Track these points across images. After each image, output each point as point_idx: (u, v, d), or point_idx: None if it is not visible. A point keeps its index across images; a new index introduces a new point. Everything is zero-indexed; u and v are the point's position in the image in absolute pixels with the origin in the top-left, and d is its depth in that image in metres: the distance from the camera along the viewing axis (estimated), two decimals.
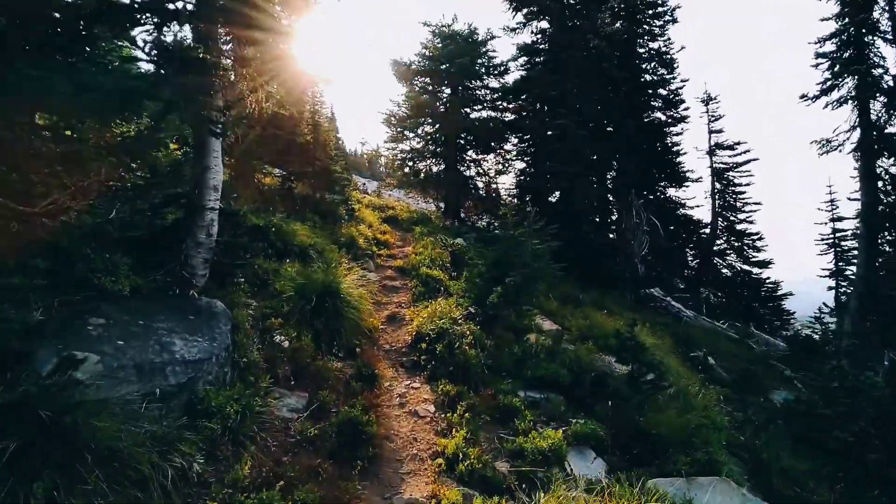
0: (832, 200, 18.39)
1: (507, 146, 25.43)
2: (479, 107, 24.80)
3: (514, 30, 21.69)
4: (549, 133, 17.74)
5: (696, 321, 15.43)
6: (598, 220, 19.89)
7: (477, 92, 24.80)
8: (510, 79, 24.31)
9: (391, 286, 11.46)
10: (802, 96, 13.06)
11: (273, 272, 8.07)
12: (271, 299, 7.21)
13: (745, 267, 19.22)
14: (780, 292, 18.33)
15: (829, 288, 17.71)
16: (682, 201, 20.91)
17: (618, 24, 19.28)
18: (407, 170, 25.59)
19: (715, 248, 19.88)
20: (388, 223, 20.18)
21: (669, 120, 20.48)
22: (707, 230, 20.29)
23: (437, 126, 24.33)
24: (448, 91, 24.28)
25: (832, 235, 18.03)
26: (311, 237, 10.61)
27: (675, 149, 20.50)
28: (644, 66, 20.48)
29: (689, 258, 21.01)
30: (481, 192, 25.12)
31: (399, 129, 24.44)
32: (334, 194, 15.16)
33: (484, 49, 23.82)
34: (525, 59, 21.18)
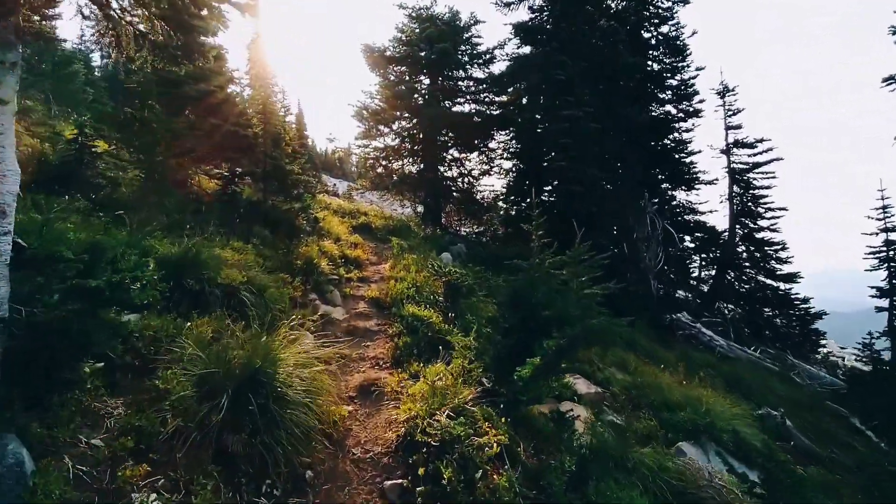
0: (884, 207, 15.73)
1: (492, 144, 22.46)
2: (462, 99, 21.70)
3: (508, 5, 18.58)
4: (547, 127, 14.69)
5: (731, 351, 12.71)
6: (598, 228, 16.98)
7: (459, 83, 21.69)
8: (496, 69, 21.35)
9: (364, 329, 8.21)
10: (888, 79, 10.46)
11: (169, 340, 4.78)
12: (144, 411, 3.90)
13: (769, 281, 16.69)
14: (812, 310, 15.87)
15: (879, 309, 15.26)
16: (694, 206, 18.26)
17: (623, 3, 16.44)
18: (381, 170, 22.29)
19: (734, 259, 17.29)
20: (360, 232, 16.87)
21: (680, 114, 17.75)
22: (723, 239, 17.68)
23: (415, 121, 21.12)
24: (427, 81, 21.07)
25: (886, 248, 15.44)
26: (248, 268, 7.26)
27: (685, 146, 17.82)
28: (651, 52, 17.70)
29: (704, 270, 18.41)
30: (464, 195, 22.01)
31: (372, 124, 21.10)
32: (292, 200, 11.80)
33: (467, 35, 20.72)
34: (518, 41, 18.11)
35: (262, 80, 11.75)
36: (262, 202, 11.39)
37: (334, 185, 39.19)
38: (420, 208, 23.41)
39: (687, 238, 18.55)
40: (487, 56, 20.84)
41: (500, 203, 21.57)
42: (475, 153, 22.48)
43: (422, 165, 21.78)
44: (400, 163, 22.10)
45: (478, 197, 21.97)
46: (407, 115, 20.99)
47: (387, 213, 22.04)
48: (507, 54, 21.26)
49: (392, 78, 20.87)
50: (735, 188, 17.52)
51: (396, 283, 9.68)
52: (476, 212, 21.53)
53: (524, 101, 20.33)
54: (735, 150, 17.58)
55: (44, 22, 11.74)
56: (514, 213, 18.77)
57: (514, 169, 20.31)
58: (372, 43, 20.34)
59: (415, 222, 19.23)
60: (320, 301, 8.92)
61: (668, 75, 17.57)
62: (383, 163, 21.98)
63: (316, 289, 9.20)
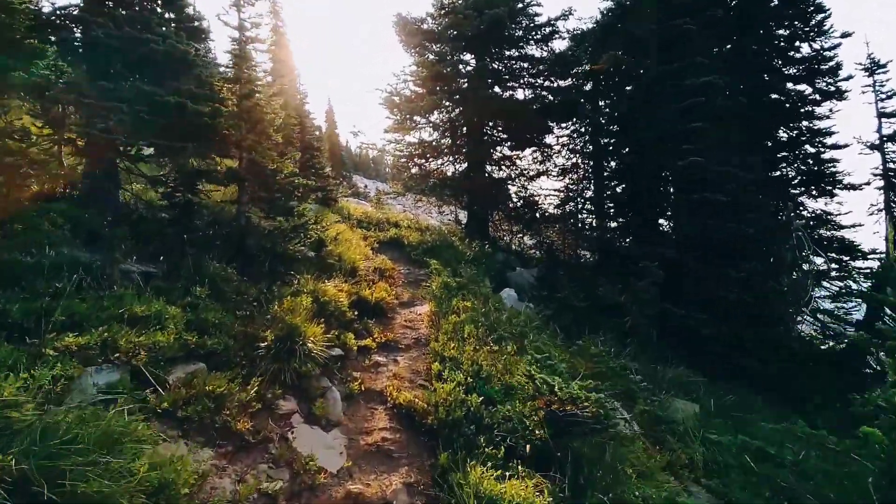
0: None
1: (549, 139, 17.71)
2: (514, 83, 16.98)
3: None
4: (661, 104, 9.77)
5: None
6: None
7: (512, 63, 17.00)
8: (556, 47, 16.60)
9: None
10: None
11: None
12: None
13: None
14: None
15: None
16: (831, 216, 13.11)
17: None
18: (416, 170, 17.82)
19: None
20: (388, 250, 12.49)
21: (816, 95, 12.67)
22: (880, 264, 12.57)
23: (458, 110, 16.57)
24: (473, 61, 16.46)
25: None
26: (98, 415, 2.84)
27: (823, 137, 12.75)
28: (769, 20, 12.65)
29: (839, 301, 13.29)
30: (518, 202, 17.34)
31: (405, 114, 16.62)
32: (281, 215, 7.45)
33: (522, 3, 16.01)
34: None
35: (249, 38, 7.41)
36: (234, 220, 7.08)
37: (365, 186, 35.15)
38: (463, 216, 18.92)
39: (817, 259, 13.41)
40: (548, 29, 16.11)
41: (564, 210, 16.83)
42: (529, 150, 17.81)
43: (465, 165, 17.23)
44: (439, 161, 17.58)
45: (534, 203, 17.29)
46: (448, 103, 16.44)
47: (422, 221, 17.60)
48: (569, 31, 16.52)
49: (430, 57, 16.33)
50: (892, 195, 12.35)
51: (445, 371, 5.19)
52: (532, 222, 16.84)
53: (602, 84, 15.50)
54: (892, 144, 12.40)
55: None
56: (605, 231, 13.85)
57: (584, 165, 15.50)
58: (407, 13, 15.85)
59: (457, 235, 14.73)
60: (301, 415, 4.51)
61: (800, 42, 12.51)
62: (418, 161, 17.51)
63: (297, 388, 4.78)
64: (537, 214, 17.04)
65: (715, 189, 7.37)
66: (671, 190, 9.38)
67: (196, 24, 7.30)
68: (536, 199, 17.55)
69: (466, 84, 15.98)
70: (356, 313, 6.82)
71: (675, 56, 9.02)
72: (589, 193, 17.10)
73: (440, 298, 7.84)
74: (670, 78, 8.22)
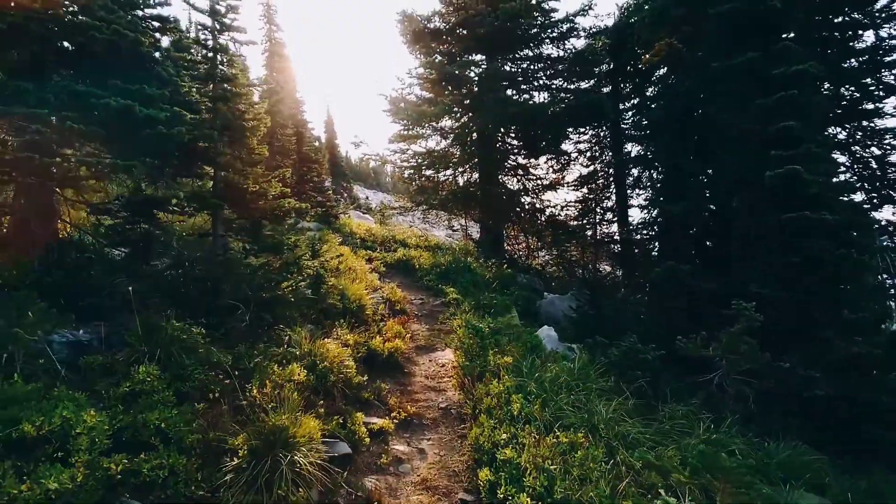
0: None
1: (566, 146, 16.11)
2: (527, 86, 15.35)
3: None
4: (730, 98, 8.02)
5: None
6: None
7: (527, 64, 15.42)
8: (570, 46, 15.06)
9: None
10: None
11: None
12: None
13: None
14: None
15: None
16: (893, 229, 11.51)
17: None
18: (423, 181, 16.20)
19: None
20: (397, 274, 10.93)
21: (880, 90, 11.10)
22: None
23: (469, 115, 14.97)
24: (485, 62, 14.85)
25: None
26: None
27: (892, 139, 11.18)
28: None
29: None
30: (533, 215, 15.70)
31: (411, 123, 15.00)
32: (268, 250, 5.81)
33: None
34: None
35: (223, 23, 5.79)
36: (208, 256, 5.44)
37: (366, 197, 33.52)
38: (473, 230, 17.34)
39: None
40: (565, 26, 14.56)
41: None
42: (544, 158, 16.23)
43: (476, 175, 15.65)
44: (448, 172, 15.97)
45: (552, 215, 15.71)
46: (457, 108, 14.84)
47: (432, 238, 15.99)
48: (587, 29, 14.94)
49: (439, 58, 14.76)
50: None
51: (501, 486, 3.53)
52: (555, 241, 15.24)
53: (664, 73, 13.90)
54: None
55: None
56: (630, 244, 12.24)
57: (603, 173, 13.90)
58: (412, 11, 14.28)
59: (472, 254, 13.07)
60: None
61: (863, 30, 10.98)
62: (426, 172, 15.88)
63: None
64: (555, 228, 15.44)
65: (818, 205, 5.77)
66: (734, 205, 7.76)
67: (158, 10, 5.69)
68: (553, 210, 16.00)
69: (477, 87, 14.40)
70: (366, 378, 5.18)
71: (746, 43, 7.36)
72: (609, 203, 15.66)
73: (468, 347, 6.19)
74: (751, 67, 6.63)
